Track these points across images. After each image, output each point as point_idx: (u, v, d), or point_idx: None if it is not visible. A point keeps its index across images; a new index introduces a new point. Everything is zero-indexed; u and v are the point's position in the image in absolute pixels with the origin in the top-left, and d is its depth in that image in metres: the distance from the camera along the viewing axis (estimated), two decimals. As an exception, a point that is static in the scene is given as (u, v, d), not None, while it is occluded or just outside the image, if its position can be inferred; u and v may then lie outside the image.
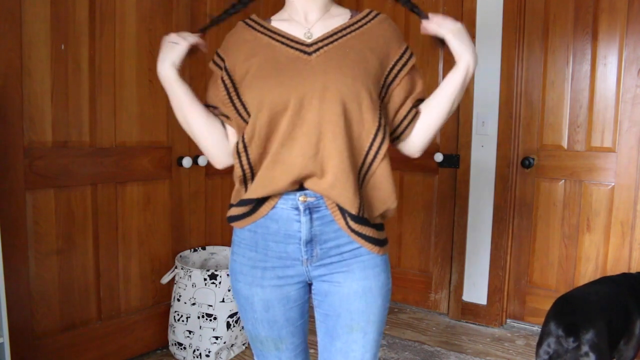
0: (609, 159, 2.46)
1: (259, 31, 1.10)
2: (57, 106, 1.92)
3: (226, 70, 1.10)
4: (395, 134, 1.13)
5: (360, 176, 1.05)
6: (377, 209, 1.08)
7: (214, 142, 1.13)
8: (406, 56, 1.11)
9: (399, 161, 2.81)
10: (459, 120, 2.77)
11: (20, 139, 1.82)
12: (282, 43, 1.06)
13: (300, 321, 1.15)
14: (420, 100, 1.15)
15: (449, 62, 3.05)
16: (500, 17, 2.59)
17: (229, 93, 1.08)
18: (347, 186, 1.00)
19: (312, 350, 1.34)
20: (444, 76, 2.76)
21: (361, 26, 1.08)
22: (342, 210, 1.04)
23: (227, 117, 1.12)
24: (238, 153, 1.07)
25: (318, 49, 1.04)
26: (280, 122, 1.01)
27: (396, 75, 1.09)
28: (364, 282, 1.08)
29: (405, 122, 1.12)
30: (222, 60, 1.12)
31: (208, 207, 2.57)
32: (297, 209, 1.04)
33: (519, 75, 2.62)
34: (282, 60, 1.03)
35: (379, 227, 1.10)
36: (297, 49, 1.04)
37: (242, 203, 1.08)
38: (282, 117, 1.01)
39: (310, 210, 1.04)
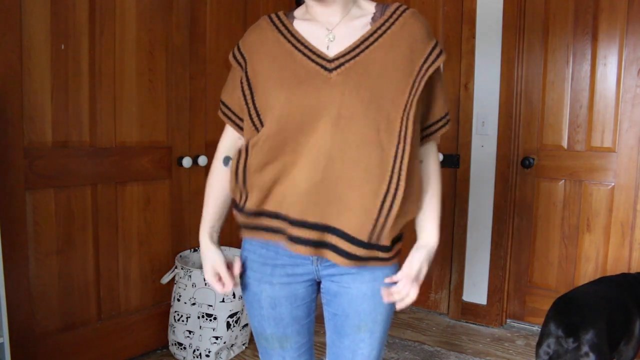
0: (609, 159, 2.46)
1: (282, 34, 1.06)
2: (57, 106, 1.92)
3: (246, 74, 1.07)
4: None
5: (386, 202, 0.99)
6: (399, 225, 1.05)
7: None
8: (433, 55, 1.04)
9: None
10: (459, 120, 2.77)
11: (20, 139, 1.82)
12: (304, 54, 1.02)
13: (306, 320, 1.16)
14: (444, 116, 1.12)
15: (449, 62, 3.05)
16: (500, 17, 2.59)
17: (246, 101, 1.07)
18: (364, 216, 0.98)
19: (316, 352, 1.34)
20: (444, 76, 2.78)
21: (386, 29, 1.02)
22: (347, 253, 1.01)
23: (241, 127, 1.13)
24: (239, 153, 1.07)
25: (339, 66, 0.99)
26: (289, 138, 0.98)
27: (420, 81, 1.01)
28: (373, 284, 1.08)
29: (428, 132, 1.12)
30: (244, 59, 1.09)
31: (208, 207, 2.56)
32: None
33: (519, 75, 2.62)
34: (301, 73, 1.00)
35: (391, 245, 1.07)
36: (317, 63, 1.00)
37: (247, 213, 1.08)
38: (291, 133, 0.98)
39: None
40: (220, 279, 1.13)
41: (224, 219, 1.19)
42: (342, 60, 1.00)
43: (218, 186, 1.16)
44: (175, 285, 2.28)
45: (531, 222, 2.69)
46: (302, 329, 1.16)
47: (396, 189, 0.98)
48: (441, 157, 2.79)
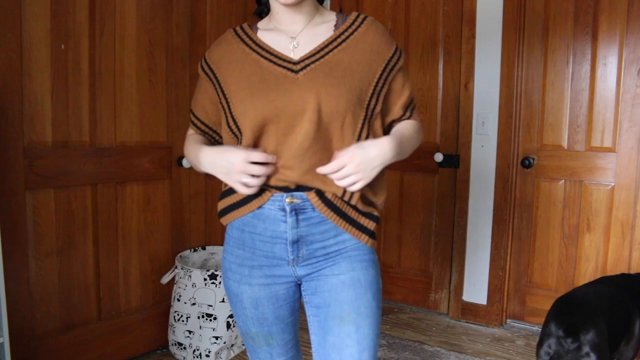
0: (609, 159, 2.46)
1: (247, 45, 1.11)
2: (57, 106, 1.92)
3: (218, 83, 1.12)
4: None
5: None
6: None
7: None
8: (394, 59, 1.12)
9: (399, 161, 2.80)
10: (459, 120, 2.77)
11: (20, 139, 1.82)
12: (270, 60, 1.07)
13: (290, 319, 1.17)
14: (409, 105, 1.17)
15: (449, 62, 3.05)
16: (500, 17, 2.59)
17: (223, 108, 1.11)
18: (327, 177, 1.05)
19: (305, 349, 1.34)
20: (444, 76, 2.80)
21: (348, 36, 1.09)
22: (330, 202, 1.06)
23: (209, 135, 1.21)
24: None
25: (305, 67, 1.05)
26: (266, 139, 1.05)
27: (385, 81, 1.10)
28: (352, 274, 1.09)
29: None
30: (212, 71, 1.14)
31: (208, 207, 2.57)
32: (283, 210, 1.06)
33: (518, 75, 2.62)
34: (269, 79, 1.05)
35: (370, 216, 1.11)
36: (284, 67, 1.06)
37: (231, 191, 1.11)
38: (268, 135, 1.04)
39: (296, 211, 1.06)
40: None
41: None
42: (307, 62, 1.06)
43: (198, 138, 1.20)
44: (175, 285, 2.28)
45: (531, 222, 2.69)
46: (287, 327, 1.17)
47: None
48: (441, 157, 2.79)
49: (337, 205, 1.07)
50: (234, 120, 1.08)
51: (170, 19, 2.30)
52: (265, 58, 1.08)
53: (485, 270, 2.75)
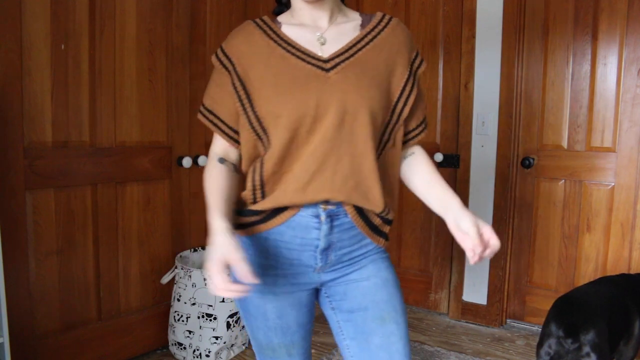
0: (609, 159, 2.46)
1: (272, 38, 1.04)
2: (57, 106, 1.92)
3: (238, 76, 1.03)
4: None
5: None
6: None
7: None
8: (417, 62, 1.11)
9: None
10: (459, 120, 2.77)
11: (20, 139, 1.82)
12: (298, 57, 1.01)
13: (309, 325, 1.16)
14: (424, 119, 1.16)
15: (449, 62, 3.04)
16: (500, 17, 2.59)
17: (243, 104, 1.03)
18: (374, 190, 1.03)
19: (313, 351, 1.34)
20: (444, 76, 2.80)
21: (375, 36, 1.06)
22: (363, 213, 1.05)
23: (234, 139, 1.07)
24: (254, 169, 1.05)
25: (335, 65, 1.01)
26: (300, 140, 0.99)
27: (412, 84, 1.09)
28: (381, 274, 1.11)
29: (410, 136, 1.15)
30: (231, 62, 1.05)
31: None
32: (317, 216, 1.02)
33: (519, 75, 2.62)
34: (299, 76, 1.00)
35: (388, 221, 1.13)
36: (314, 65, 1.01)
37: (251, 213, 1.05)
38: (301, 135, 0.99)
39: (331, 218, 1.03)
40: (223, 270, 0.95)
41: (231, 205, 1.06)
42: (337, 60, 1.02)
43: (219, 177, 1.06)
44: (175, 285, 2.28)
45: (531, 222, 2.69)
46: (307, 334, 1.16)
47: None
48: (441, 157, 2.79)
49: (367, 215, 1.07)
50: (257, 119, 1.02)
51: (170, 19, 2.30)
52: (293, 54, 1.02)
53: (485, 270, 2.75)
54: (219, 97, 1.07)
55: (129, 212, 2.22)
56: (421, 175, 1.15)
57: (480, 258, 1.00)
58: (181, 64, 2.36)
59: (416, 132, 1.14)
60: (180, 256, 2.39)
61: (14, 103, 1.79)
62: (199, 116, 1.11)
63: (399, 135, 1.09)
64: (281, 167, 1.02)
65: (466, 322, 2.82)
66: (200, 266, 2.49)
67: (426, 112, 1.17)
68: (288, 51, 1.02)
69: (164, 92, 2.31)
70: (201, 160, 2.44)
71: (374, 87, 1.01)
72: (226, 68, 1.05)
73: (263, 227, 1.05)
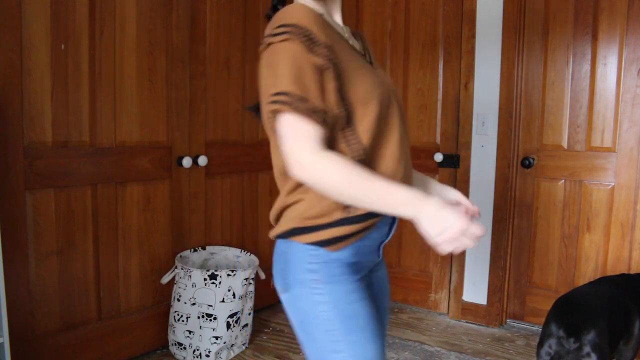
0: (609, 159, 2.46)
1: (333, 29, 0.97)
2: (57, 106, 1.92)
3: (336, 63, 0.90)
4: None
5: None
6: None
7: None
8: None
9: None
10: (459, 120, 2.77)
11: (20, 139, 1.81)
12: (352, 47, 1.00)
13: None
14: None
15: (449, 62, 3.03)
16: (500, 17, 2.59)
17: (342, 93, 0.91)
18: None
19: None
20: (444, 76, 2.80)
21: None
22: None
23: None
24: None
25: (372, 61, 1.06)
26: (389, 120, 0.97)
27: None
28: (384, 270, 1.17)
29: None
30: (333, 51, 0.90)
31: (208, 207, 2.57)
32: None
33: (519, 75, 2.62)
34: (365, 64, 0.99)
35: None
36: (362, 56, 1.03)
37: (357, 220, 0.94)
38: (389, 115, 0.97)
39: None
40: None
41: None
42: (367, 57, 1.07)
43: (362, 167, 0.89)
44: (175, 285, 2.28)
45: (531, 222, 2.69)
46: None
47: None
48: (441, 157, 2.79)
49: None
50: (346, 102, 0.91)
51: (170, 19, 2.30)
52: (346, 41, 0.99)
53: (485, 270, 2.75)
54: (314, 86, 0.90)
55: (129, 212, 2.21)
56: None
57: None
58: (181, 64, 2.36)
59: None
60: (180, 256, 2.39)
61: (14, 103, 1.78)
62: (306, 116, 0.88)
63: None
64: (378, 151, 0.97)
65: (466, 322, 2.82)
66: (200, 266, 2.49)
67: None
68: (343, 39, 0.99)
69: (164, 92, 2.31)
70: (201, 160, 2.43)
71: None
72: (313, 41, 0.90)
73: (366, 232, 0.97)
